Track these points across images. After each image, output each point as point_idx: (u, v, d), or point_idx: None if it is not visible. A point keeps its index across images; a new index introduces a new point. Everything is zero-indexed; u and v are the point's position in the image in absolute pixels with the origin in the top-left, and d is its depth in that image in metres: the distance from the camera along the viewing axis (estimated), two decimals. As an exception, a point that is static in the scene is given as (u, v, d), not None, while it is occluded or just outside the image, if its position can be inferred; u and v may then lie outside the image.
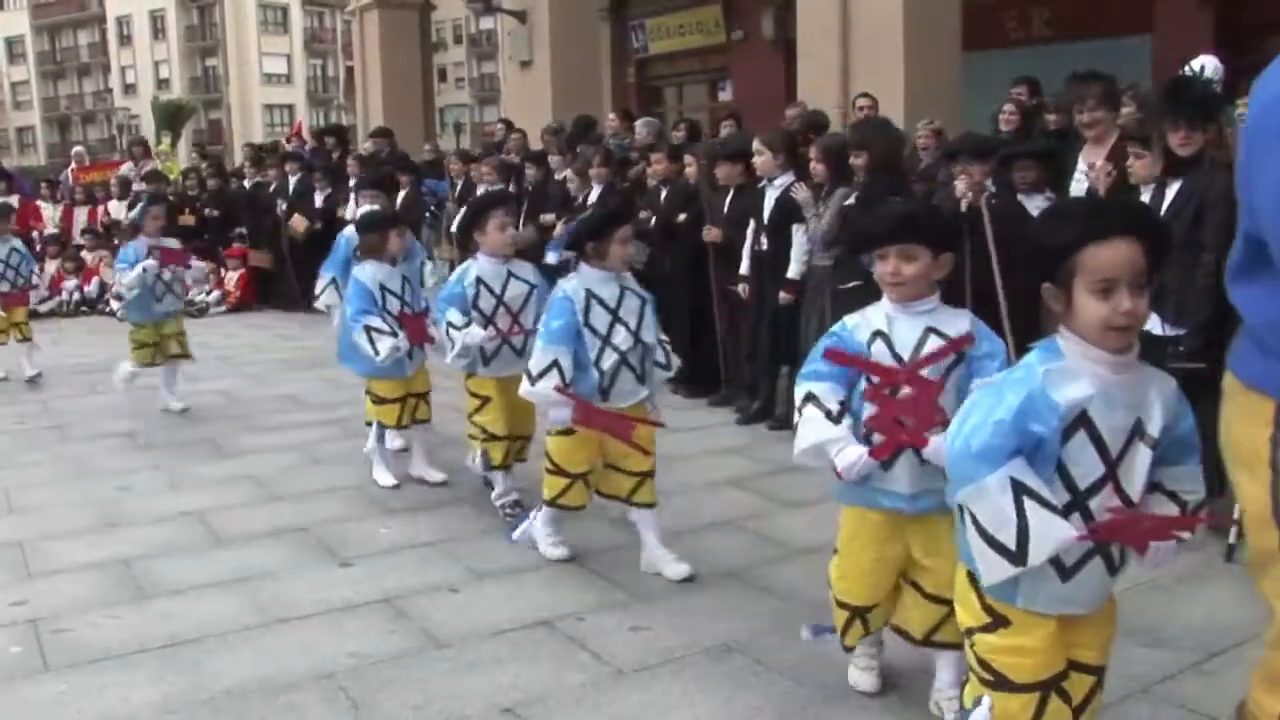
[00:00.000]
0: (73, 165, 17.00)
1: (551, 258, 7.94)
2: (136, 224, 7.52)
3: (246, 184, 14.07)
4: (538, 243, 8.67)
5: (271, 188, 13.10)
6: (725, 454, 6.16)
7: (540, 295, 4.87)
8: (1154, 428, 2.28)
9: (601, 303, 4.15)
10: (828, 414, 2.95)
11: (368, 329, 5.22)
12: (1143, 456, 2.28)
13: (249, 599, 4.15)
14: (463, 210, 5.62)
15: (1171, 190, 4.63)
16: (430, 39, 22.43)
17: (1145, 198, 4.74)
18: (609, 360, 4.14)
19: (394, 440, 5.85)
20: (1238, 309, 2.06)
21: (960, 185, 5.76)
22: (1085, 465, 2.26)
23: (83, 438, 6.91)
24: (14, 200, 14.36)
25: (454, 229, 7.32)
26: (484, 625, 3.84)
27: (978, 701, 2.43)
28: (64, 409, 7.77)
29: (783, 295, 6.50)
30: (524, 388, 4.19)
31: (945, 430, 2.56)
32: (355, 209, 10.76)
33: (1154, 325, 4.62)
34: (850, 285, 5.73)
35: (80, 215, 14.99)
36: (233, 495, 5.52)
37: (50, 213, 14.93)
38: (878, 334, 2.96)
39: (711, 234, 7.09)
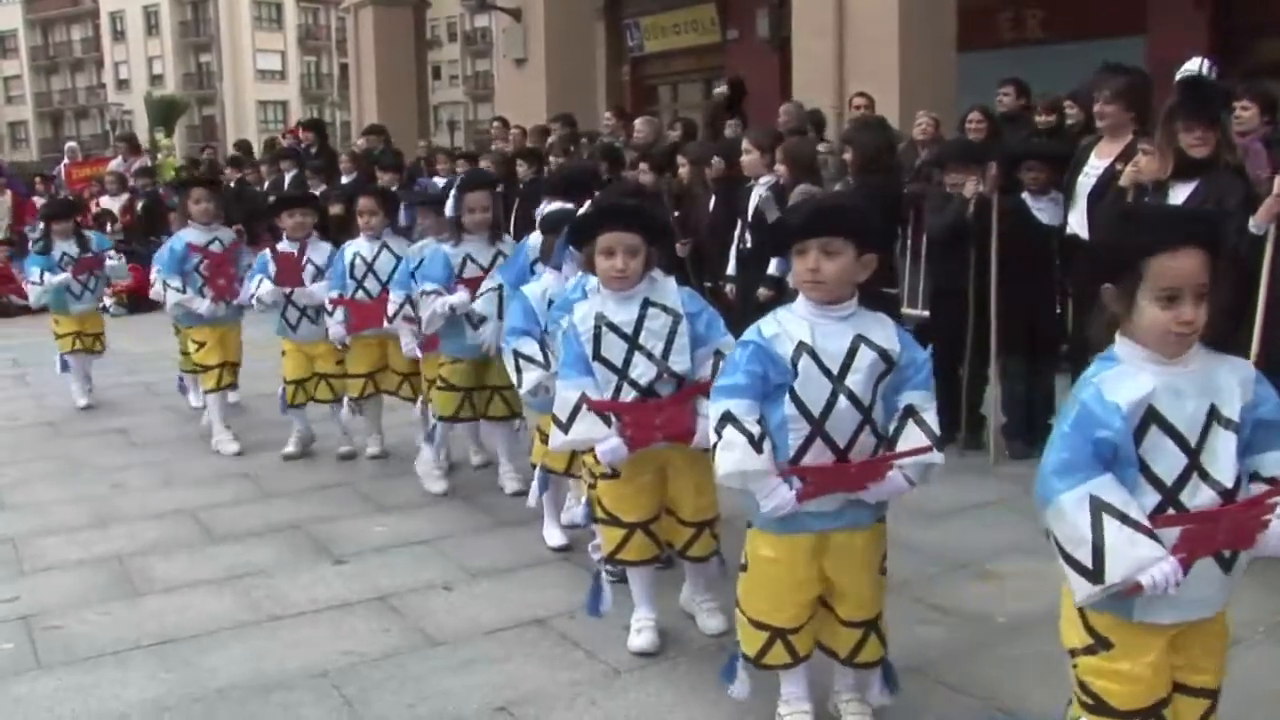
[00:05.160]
0: (65, 160, 16.95)
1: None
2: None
3: (232, 183, 14.01)
4: None
5: (266, 184, 13.06)
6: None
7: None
8: (1231, 410, 2.24)
9: (614, 328, 3.41)
10: (750, 438, 2.75)
11: (517, 355, 4.01)
12: (1225, 441, 2.22)
13: (242, 596, 4.15)
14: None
15: (1179, 193, 4.48)
16: (425, 36, 22.47)
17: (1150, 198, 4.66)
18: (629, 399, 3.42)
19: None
20: None
21: (969, 187, 5.67)
22: (1166, 459, 2.21)
23: (76, 434, 6.90)
24: (7, 198, 14.30)
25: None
26: (478, 623, 3.85)
27: None
28: (57, 405, 7.72)
29: (762, 292, 6.50)
30: (555, 440, 3.52)
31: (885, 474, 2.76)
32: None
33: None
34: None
35: (72, 211, 14.91)
36: (226, 492, 5.52)
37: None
38: (801, 347, 2.76)
39: (681, 250, 7.25)
